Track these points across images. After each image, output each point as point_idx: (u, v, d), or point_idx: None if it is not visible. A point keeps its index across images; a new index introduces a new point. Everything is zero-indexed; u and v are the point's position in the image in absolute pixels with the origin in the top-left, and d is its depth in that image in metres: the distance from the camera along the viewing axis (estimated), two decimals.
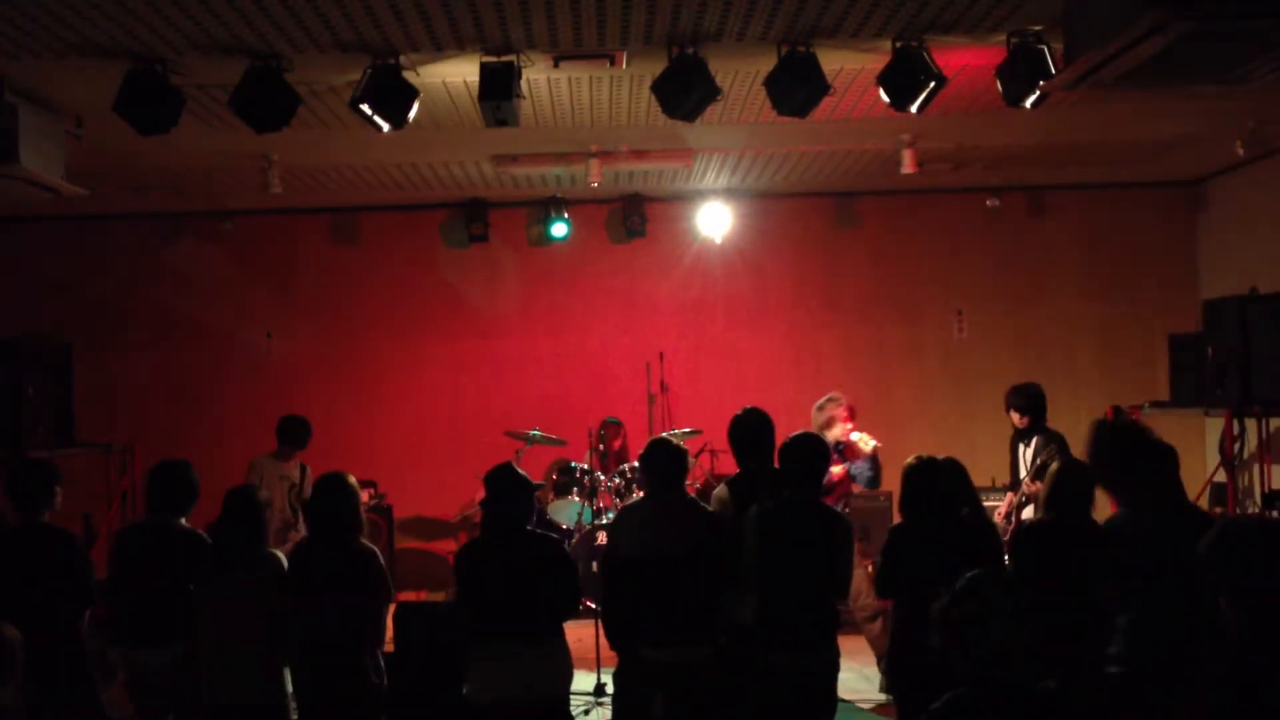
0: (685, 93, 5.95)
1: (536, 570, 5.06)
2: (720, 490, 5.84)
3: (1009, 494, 8.33)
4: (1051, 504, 5.46)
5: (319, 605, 5.17)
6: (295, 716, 5.35)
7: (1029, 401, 8.14)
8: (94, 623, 5.69)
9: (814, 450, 5.45)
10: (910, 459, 5.46)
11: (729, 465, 8.18)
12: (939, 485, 5.38)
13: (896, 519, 5.56)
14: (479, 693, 5.06)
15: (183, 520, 5.60)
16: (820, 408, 7.45)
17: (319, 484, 5.44)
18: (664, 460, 5.54)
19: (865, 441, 7.26)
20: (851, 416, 7.40)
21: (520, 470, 5.25)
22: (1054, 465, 5.47)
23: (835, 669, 5.32)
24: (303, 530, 7.09)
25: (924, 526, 5.30)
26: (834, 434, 7.23)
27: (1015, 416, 8.20)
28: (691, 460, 7.90)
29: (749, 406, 6.03)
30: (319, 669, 5.21)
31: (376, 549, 5.36)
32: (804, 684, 5.21)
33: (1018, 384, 8.33)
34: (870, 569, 7.47)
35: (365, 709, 5.28)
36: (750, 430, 5.86)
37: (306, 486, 7.81)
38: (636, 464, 8.44)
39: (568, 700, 5.26)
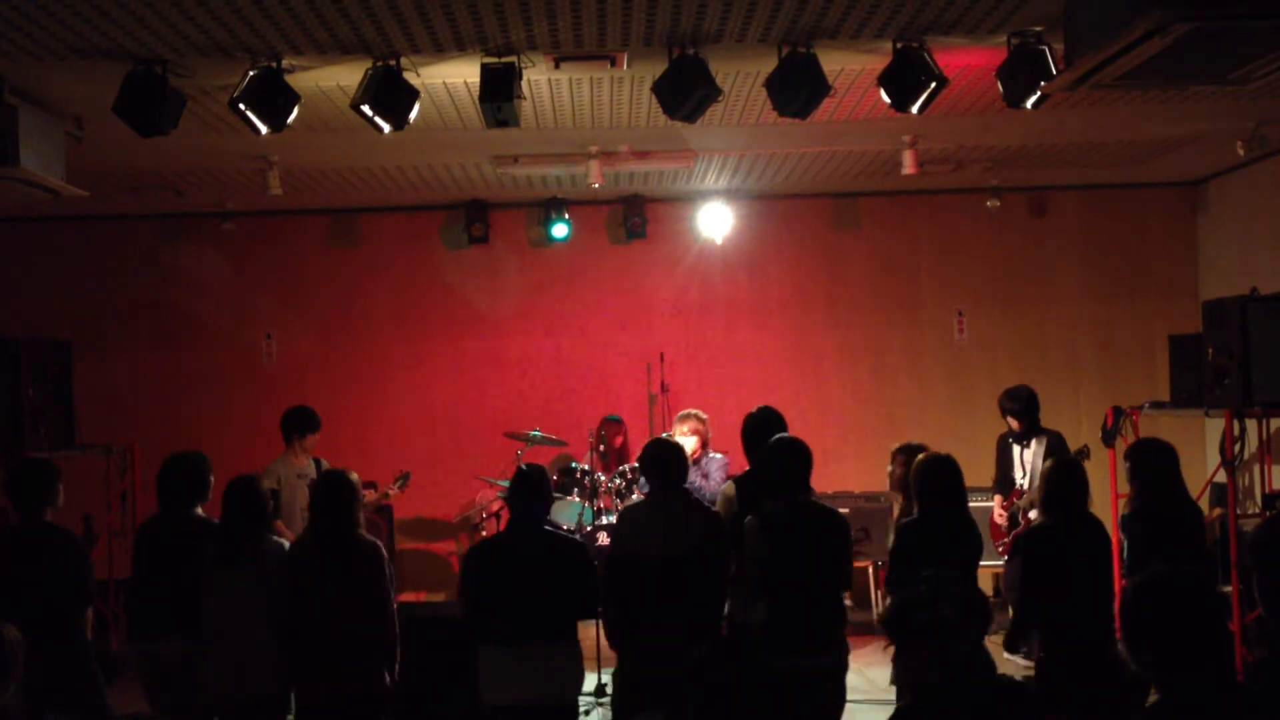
0: (686, 94, 5.93)
1: (555, 571, 5.04)
2: (727, 487, 5.85)
3: (998, 496, 8.34)
4: (1050, 504, 5.47)
5: (322, 602, 5.17)
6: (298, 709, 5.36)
7: (1023, 405, 8.17)
8: (95, 622, 5.70)
9: (795, 451, 5.44)
10: (928, 453, 5.46)
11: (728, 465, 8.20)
12: (958, 482, 5.41)
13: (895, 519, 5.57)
14: (489, 695, 5.05)
15: (198, 511, 5.63)
16: (683, 419, 8.34)
17: (321, 480, 5.44)
18: (662, 460, 5.55)
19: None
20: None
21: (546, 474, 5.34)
22: (1046, 464, 5.50)
23: (845, 665, 5.35)
24: None
25: (940, 523, 5.31)
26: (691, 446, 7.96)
27: (1011, 421, 8.22)
28: (721, 461, 8.08)
29: (763, 405, 6.03)
30: (323, 664, 5.20)
31: (379, 542, 5.36)
32: (818, 683, 5.22)
33: (1010, 388, 8.35)
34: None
35: (368, 707, 5.27)
36: (762, 428, 5.86)
37: None
38: (636, 464, 8.46)
39: (577, 707, 5.25)
